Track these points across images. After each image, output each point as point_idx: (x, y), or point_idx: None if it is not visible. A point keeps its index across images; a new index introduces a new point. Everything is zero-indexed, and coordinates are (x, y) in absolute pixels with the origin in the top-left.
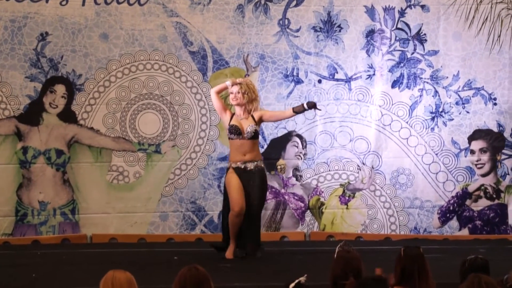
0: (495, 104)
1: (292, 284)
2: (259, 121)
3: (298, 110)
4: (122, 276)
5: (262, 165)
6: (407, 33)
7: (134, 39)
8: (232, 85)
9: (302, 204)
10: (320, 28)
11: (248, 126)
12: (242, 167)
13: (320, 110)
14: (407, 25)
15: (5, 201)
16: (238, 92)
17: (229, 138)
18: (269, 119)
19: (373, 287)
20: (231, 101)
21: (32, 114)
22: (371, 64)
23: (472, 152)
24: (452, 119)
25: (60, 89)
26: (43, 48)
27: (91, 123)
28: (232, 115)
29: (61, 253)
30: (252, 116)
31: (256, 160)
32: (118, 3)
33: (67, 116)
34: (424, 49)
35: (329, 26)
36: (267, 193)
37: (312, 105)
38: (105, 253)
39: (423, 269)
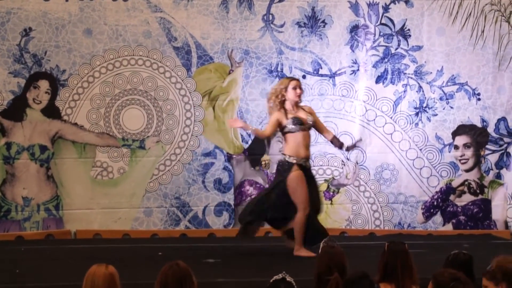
0: (479, 99)
1: (276, 277)
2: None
3: (335, 144)
4: (102, 271)
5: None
6: (391, 29)
7: (118, 35)
8: (291, 81)
9: None
10: (304, 23)
11: (307, 116)
12: (304, 164)
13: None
14: (391, 20)
15: None
16: (300, 88)
17: (287, 133)
18: (316, 120)
19: (359, 285)
20: (295, 97)
21: (15, 110)
22: (355, 60)
23: (456, 147)
24: (436, 115)
25: (44, 84)
26: (26, 44)
27: (75, 118)
28: (286, 113)
29: (45, 249)
30: (303, 109)
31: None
32: None
33: (51, 111)
34: (408, 45)
35: (313, 22)
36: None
37: (351, 149)
38: (89, 249)
39: (406, 265)
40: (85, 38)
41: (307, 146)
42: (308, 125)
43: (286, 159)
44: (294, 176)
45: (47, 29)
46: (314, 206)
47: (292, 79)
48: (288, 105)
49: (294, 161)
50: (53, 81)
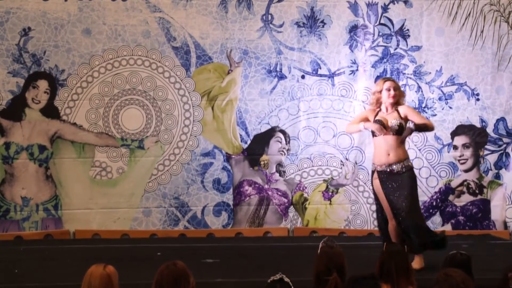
0: (477, 99)
1: (273, 277)
2: (406, 118)
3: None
4: (99, 271)
5: (410, 164)
6: (390, 29)
7: (117, 35)
8: (385, 82)
9: (286, 200)
10: (303, 23)
11: (393, 119)
12: (388, 170)
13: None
14: (390, 20)
15: None
16: (395, 89)
17: (373, 136)
18: (413, 120)
19: (363, 284)
20: (387, 98)
21: (14, 110)
22: (354, 60)
23: (455, 147)
24: (435, 115)
25: (43, 84)
26: (25, 43)
27: (74, 118)
28: (377, 113)
29: (44, 249)
30: (398, 111)
31: (402, 160)
32: None
33: (50, 111)
34: (407, 45)
35: (312, 22)
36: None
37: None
38: (88, 249)
39: (402, 266)
40: (84, 38)
41: (388, 151)
42: (391, 129)
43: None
44: (374, 186)
45: (46, 29)
46: (400, 213)
47: (386, 79)
48: (383, 107)
49: (373, 168)
50: (52, 81)
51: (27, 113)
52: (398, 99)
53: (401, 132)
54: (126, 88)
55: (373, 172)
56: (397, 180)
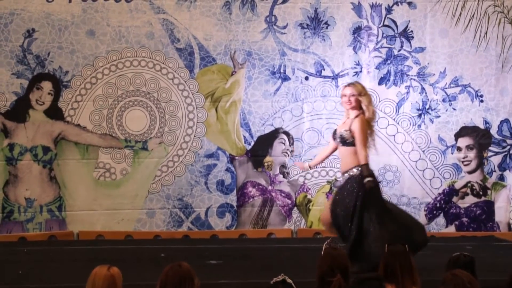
0: (481, 101)
1: (276, 279)
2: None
3: (362, 173)
4: (103, 272)
5: (353, 173)
6: (394, 30)
7: (121, 36)
8: (344, 88)
9: (289, 201)
10: (307, 25)
11: (342, 129)
12: (342, 178)
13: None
14: (394, 22)
15: None
16: (353, 95)
17: None
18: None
19: (368, 285)
20: (342, 104)
21: (18, 111)
22: (358, 61)
23: (459, 149)
24: (439, 116)
25: (47, 86)
26: (29, 45)
27: (78, 120)
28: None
29: (48, 250)
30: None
31: (347, 171)
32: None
33: (54, 113)
34: (411, 46)
35: (316, 23)
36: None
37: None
38: (92, 250)
39: (406, 265)
40: (88, 39)
41: (341, 161)
42: (338, 140)
43: None
44: None
45: (50, 30)
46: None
47: (347, 85)
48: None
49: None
50: (56, 82)
51: (31, 115)
52: (357, 105)
53: (345, 143)
54: (130, 90)
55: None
56: (343, 189)
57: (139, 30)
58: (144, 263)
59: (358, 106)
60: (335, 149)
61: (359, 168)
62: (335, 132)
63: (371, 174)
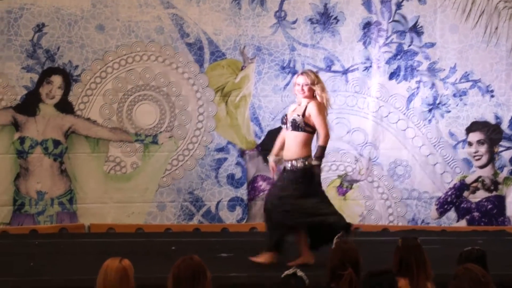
0: (492, 96)
1: (287, 272)
2: (309, 116)
3: (316, 154)
4: (115, 265)
5: (303, 165)
6: (403, 25)
7: (130, 31)
8: (298, 76)
9: None
10: (317, 20)
11: (294, 114)
12: (285, 165)
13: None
14: (404, 17)
15: (2, 191)
16: (307, 84)
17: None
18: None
19: (381, 279)
20: (294, 92)
21: (29, 105)
22: (368, 56)
23: (470, 144)
24: (450, 111)
25: (57, 80)
26: (39, 39)
27: (88, 113)
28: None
29: (59, 243)
30: (306, 106)
31: (296, 159)
32: None
33: (64, 106)
34: (421, 42)
35: (325, 18)
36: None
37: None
38: (103, 243)
39: (420, 259)
40: (98, 34)
41: (288, 146)
42: (288, 124)
43: None
44: None
45: (59, 25)
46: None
47: (300, 73)
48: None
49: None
50: (66, 76)
51: (41, 108)
52: (310, 94)
53: (295, 128)
54: (140, 84)
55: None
56: (287, 177)
57: (149, 25)
58: (155, 256)
59: (311, 95)
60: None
61: (305, 161)
62: (285, 117)
63: (321, 157)
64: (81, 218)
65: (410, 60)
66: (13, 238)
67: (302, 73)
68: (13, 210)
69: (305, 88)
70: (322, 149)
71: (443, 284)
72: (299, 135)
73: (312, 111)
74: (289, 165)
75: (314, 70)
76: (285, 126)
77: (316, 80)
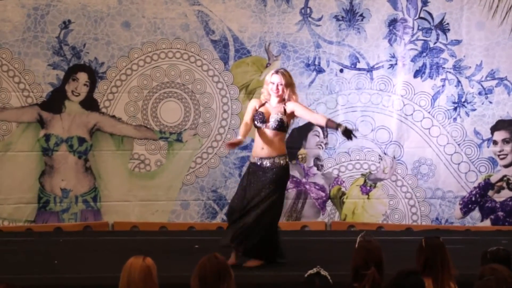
0: None
1: (311, 271)
2: (291, 114)
3: (331, 126)
4: (139, 263)
5: (282, 162)
6: (429, 23)
7: (156, 28)
8: (273, 75)
9: (323, 194)
10: (342, 17)
11: (275, 114)
12: (259, 163)
13: (352, 139)
14: (430, 14)
15: (28, 188)
16: (282, 85)
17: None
18: (301, 116)
19: (411, 280)
20: (271, 91)
21: (54, 102)
22: (393, 54)
23: (495, 142)
24: (475, 109)
25: (83, 77)
26: (65, 36)
27: (113, 111)
28: (263, 104)
29: (83, 241)
30: (285, 106)
31: (273, 157)
32: None
33: (89, 104)
34: (447, 39)
35: (351, 15)
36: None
37: (347, 133)
38: (127, 241)
39: (445, 259)
40: (124, 31)
41: (263, 145)
42: (273, 124)
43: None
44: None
45: (86, 22)
46: (245, 208)
47: (276, 72)
48: (272, 99)
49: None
50: (91, 73)
51: (67, 106)
52: (283, 94)
53: (280, 128)
54: (165, 81)
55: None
56: (263, 175)
57: (174, 22)
58: (178, 255)
59: (283, 95)
60: (249, 130)
61: (286, 158)
62: (261, 115)
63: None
64: (105, 216)
65: (435, 58)
66: (38, 235)
67: (277, 72)
68: (38, 207)
69: (280, 88)
70: (330, 121)
71: (466, 284)
72: (279, 134)
73: (296, 107)
74: (268, 163)
75: (339, 67)
76: (263, 124)
77: (289, 81)
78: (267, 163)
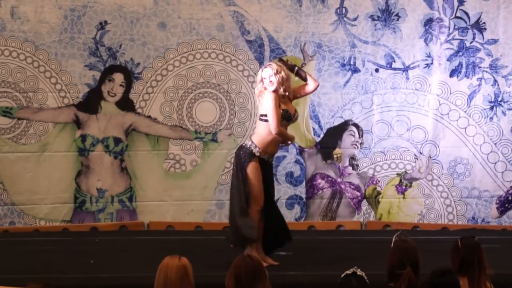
0: None
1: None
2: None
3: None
4: (175, 263)
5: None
6: (466, 22)
7: (191, 28)
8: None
9: (359, 193)
10: (378, 16)
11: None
12: (267, 160)
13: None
14: (466, 13)
15: (64, 189)
16: (271, 75)
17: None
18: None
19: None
20: (267, 87)
21: (90, 102)
22: (429, 53)
23: None
24: (511, 109)
25: (118, 77)
26: (102, 37)
27: (149, 111)
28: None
29: (118, 240)
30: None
31: None
32: None
33: (125, 104)
34: (483, 38)
35: (386, 15)
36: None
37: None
38: (162, 241)
39: (481, 259)
40: (159, 32)
41: (278, 142)
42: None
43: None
44: (248, 170)
45: (122, 23)
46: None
47: (264, 67)
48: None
49: (255, 152)
50: (127, 74)
51: (102, 106)
52: (280, 83)
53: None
54: (200, 81)
55: (251, 155)
56: (270, 171)
57: (210, 22)
58: (214, 254)
59: (279, 84)
60: None
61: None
62: (288, 113)
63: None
64: (140, 215)
65: (472, 57)
66: (74, 235)
67: (265, 67)
68: (74, 207)
69: (272, 79)
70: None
71: (503, 284)
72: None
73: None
74: (271, 159)
75: (374, 67)
76: (290, 121)
77: (279, 69)
78: (270, 160)
